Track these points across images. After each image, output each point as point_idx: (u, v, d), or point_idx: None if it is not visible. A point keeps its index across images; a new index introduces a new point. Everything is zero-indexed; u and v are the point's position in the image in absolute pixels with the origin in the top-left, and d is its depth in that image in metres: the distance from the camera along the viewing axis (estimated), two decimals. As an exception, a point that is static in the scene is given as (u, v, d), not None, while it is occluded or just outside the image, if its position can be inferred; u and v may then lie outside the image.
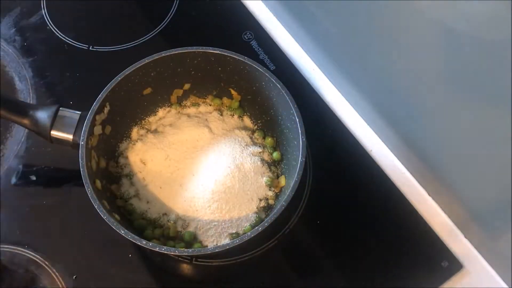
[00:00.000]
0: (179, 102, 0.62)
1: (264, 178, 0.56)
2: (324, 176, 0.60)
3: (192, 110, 0.62)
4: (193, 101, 0.62)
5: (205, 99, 0.62)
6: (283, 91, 0.53)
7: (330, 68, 0.65)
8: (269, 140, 0.59)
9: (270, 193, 0.56)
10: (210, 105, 0.62)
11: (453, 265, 0.54)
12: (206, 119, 0.60)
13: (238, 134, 0.59)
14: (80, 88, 0.65)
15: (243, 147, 0.57)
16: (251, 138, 0.60)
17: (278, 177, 0.57)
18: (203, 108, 0.62)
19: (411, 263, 0.55)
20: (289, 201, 0.48)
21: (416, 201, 0.59)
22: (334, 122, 0.63)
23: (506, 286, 0.54)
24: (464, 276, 0.54)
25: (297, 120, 0.52)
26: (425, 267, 0.54)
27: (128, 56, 0.65)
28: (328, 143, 0.62)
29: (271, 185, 0.56)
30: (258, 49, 0.68)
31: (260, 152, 0.58)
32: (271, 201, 0.56)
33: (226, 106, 0.62)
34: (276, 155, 0.58)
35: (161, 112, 0.61)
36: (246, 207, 0.54)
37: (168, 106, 0.62)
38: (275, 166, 0.58)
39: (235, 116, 0.61)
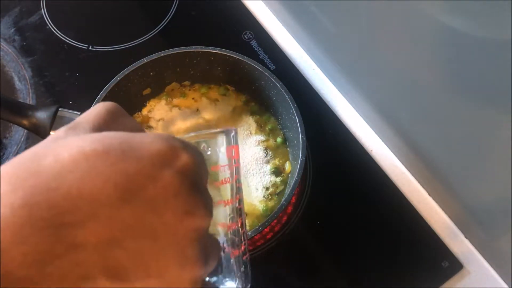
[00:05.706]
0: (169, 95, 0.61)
1: (269, 166, 0.56)
2: (324, 176, 0.60)
3: (182, 101, 0.61)
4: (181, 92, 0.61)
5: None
6: (282, 91, 0.53)
7: (330, 68, 0.65)
8: (268, 128, 0.59)
9: (278, 180, 0.56)
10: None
11: (453, 265, 0.54)
12: (197, 109, 0.60)
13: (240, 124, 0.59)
14: (80, 88, 0.65)
15: (244, 139, 0.57)
16: (257, 123, 0.59)
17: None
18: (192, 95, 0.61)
19: (411, 263, 0.55)
20: (289, 201, 0.48)
21: (416, 201, 0.58)
22: (334, 122, 0.63)
23: (506, 286, 0.54)
24: (464, 276, 0.54)
25: (297, 119, 0.52)
26: (425, 267, 0.54)
27: (128, 56, 0.65)
28: (328, 143, 0.62)
29: (276, 171, 0.56)
30: (258, 48, 0.67)
31: (263, 141, 0.58)
32: (280, 187, 0.56)
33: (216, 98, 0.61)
34: (279, 140, 0.58)
35: (152, 103, 0.61)
36: (251, 197, 0.55)
37: (158, 98, 0.61)
38: (282, 150, 0.58)
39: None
